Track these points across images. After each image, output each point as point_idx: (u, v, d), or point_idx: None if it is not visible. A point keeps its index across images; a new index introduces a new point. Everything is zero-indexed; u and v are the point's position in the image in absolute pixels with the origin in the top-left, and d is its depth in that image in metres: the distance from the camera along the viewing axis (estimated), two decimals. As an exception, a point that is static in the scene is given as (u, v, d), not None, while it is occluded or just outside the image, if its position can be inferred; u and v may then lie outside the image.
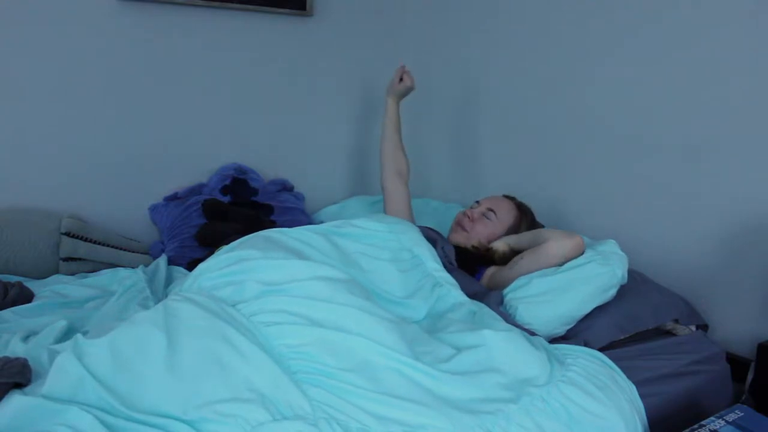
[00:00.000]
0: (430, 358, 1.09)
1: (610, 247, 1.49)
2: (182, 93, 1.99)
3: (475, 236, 1.72)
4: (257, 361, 1.01)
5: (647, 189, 1.73)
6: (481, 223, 1.73)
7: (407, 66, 1.92)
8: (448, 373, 1.07)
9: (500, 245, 1.66)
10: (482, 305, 1.36)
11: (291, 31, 2.15)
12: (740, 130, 1.53)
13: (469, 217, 1.75)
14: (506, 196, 1.81)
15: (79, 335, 1.05)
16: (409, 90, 1.92)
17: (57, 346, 1.09)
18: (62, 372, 0.96)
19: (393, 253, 1.41)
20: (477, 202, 1.80)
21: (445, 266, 1.44)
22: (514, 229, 1.73)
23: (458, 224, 1.77)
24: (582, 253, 1.50)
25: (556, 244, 1.48)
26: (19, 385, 0.98)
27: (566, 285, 1.40)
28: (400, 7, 2.38)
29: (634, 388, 1.21)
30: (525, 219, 1.75)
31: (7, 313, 1.35)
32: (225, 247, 1.32)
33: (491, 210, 1.74)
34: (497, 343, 1.16)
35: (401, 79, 1.89)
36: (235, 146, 2.12)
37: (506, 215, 1.74)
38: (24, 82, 1.74)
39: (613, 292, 1.43)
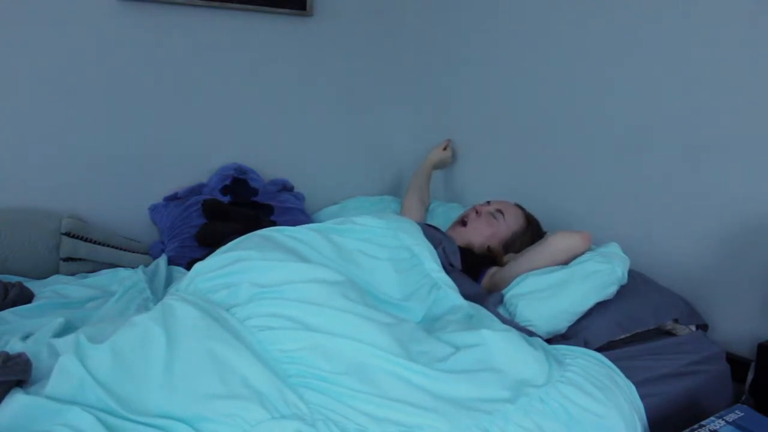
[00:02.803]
0: (427, 357, 1.09)
1: (613, 248, 1.49)
2: (182, 93, 1.99)
3: (473, 232, 1.71)
4: (253, 363, 1.02)
5: (647, 189, 1.73)
6: (486, 221, 1.73)
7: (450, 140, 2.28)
8: (446, 371, 1.07)
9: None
10: (480, 308, 1.36)
11: (291, 31, 2.15)
12: (740, 130, 1.53)
13: (477, 212, 1.75)
14: (516, 204, 1.81)
15: (81, 336, 1.05)
16: (447, 160, 2.25)
17: (56, 341, 1.09)
18: (64, 373, 0.97)
19: (392, 251, 1.40)
20: (488, 201, 1.80)
21: (444, 267, 1.44)
22: (518, 236, 1.73)
23: (461, 218, 1.77)
24: (589, 247, 1.51)
25: (562, 236, 1.50)
26: (20, 383, 0.98)
27: (566, 281, 1.41)
28: (400, 7, 2.38)
29: (633, 388, 1.21)
30: (530, 228, 1.76)
31: (7, 313, 1.35)
32: (223, 247, 1.32)
33: (500, 211, 1.73)
34: (496, 343, 1.16)
35: (445, 148, 2.24)
36: (235, 146, 2.12)
37: (514, 220, 1.74)
38: (24, 82, 1.74)
39: (613, 289, 1.43)
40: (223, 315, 1.11)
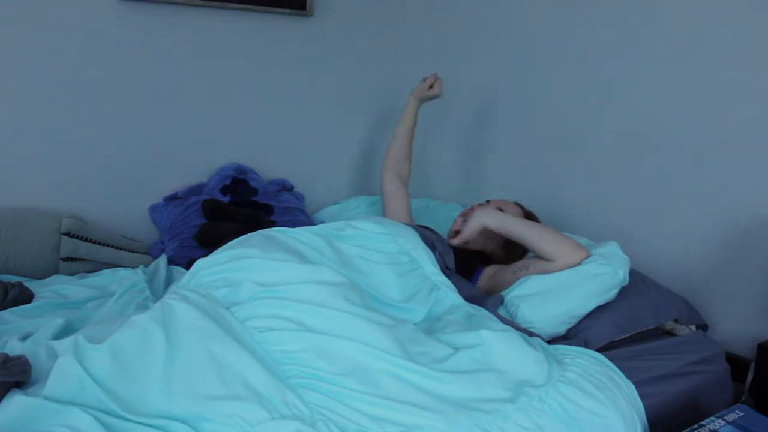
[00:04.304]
0: (427, 358, 1.10)
1: (613, 248, 1.49)
2: (182, 93, 1.99)
3: None
4: (253, 364, 1.02)
5: (647, 189, 1.73)
6: None
7: (439, 73, 1.94)
8: (445, 372, 1.07)
9: (488, 219, 1.57)
10: (479, 308, 1.36)
11: (291, 31, 2.15)
12: (741, 131, 1.53)
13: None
14: (515, 203, 1.80)
15: (80, 337, 1.05)
16: (435, 97, 1.94)
17: (55, 343, 1.09)
18: (63, 374, 0.97)
19: (391, 256, 1.41)
20: (487, 201, 1.79)
21: (441, 270, 1.44)
22: None
23: (463, 215, 1.74)
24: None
25: (565, 264, 1.45)
26: (19, 384, 0.98)
27: (568, 283, 1.40)
28: (401, 7, 2.38)
29: (633, 387, 1.21)
30: None
31: (7, 313, 1.36)
32: (225, 245, 1.32)
33: (500, 209, 1.71)
34: (495, 343, 1.16)
35: (431, 87, 1.91)
36: (235, 146, 2.12)
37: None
38: (24, 82, 1.74)
39: (614, 292, 1.42)
40: (223, 314, 1.11)
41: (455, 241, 1.63)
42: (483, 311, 1.34)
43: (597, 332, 1.39)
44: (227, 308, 1.14)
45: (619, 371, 1.23)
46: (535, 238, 1.49)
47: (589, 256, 1.46)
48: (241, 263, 1.21)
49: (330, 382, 1.02)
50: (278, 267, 1.20)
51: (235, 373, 1.00)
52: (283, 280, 1.17)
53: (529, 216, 1.78)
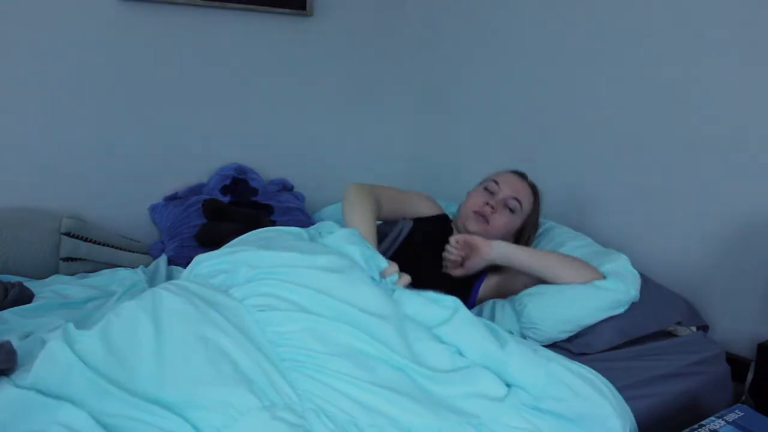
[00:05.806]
0: (424, 352, 1.09)
1: (623, 264, 1.46)
2: (182, 93, 1.99)
3: (493, 230, 1.59)
4: (245, 348, 1.00)
5: (647, 189, 1.73)
6: (503, 215, 1.60)
7: None
8: (441, 368, 1.06)
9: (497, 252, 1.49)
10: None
11: (291, 31, 2.15)
12: (740, 131, 1.53)
13: (492, 207, 1.60)
14: (519, 175, 1.69)
15: (70, 324, 1.04)
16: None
17: (47, 335, 1.09)
18: (52, 359, 0.95)
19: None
20: (495, 182, 1.64)
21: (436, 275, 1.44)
22: (528, 216, 1.64)
23: (479, 214, 1.60)
24: None
25: (582, 278, 1.43)
26: (6, 372, 0.97)
27: (581, 293, 1.39)
28: (400, 7, 2.38)
29: (620, 397, 1.17)
30: (536, 204, 1.67)
31: (7, 313, 1.35)
32: (223, 246, 1.32)
33: (516, 200, 1.60)
34: (490, 342, 1.15)
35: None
36: (235, 146, 2.12)
37: (528, 205, 1.64)
38: (24, 82, 1.74)
39: (623, 308, 1.41)
40: (219, 298, 1.10)
41: (457, 273, 1.52)
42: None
43: (599, 337, 1.38)
44: (225, 291, 1.13)
45: (604, 379, 1.17)
46: (548, 270, 1.44)
47: (603, 278, 1.42)
48: (238, 255, 1.21)
49: (324, 364, 1.00)
50: (277, 255, 1.20)
51: (227, 359, 0.98)
52: (281, 263, 1.16)
53: (534, 190, 1.67)
